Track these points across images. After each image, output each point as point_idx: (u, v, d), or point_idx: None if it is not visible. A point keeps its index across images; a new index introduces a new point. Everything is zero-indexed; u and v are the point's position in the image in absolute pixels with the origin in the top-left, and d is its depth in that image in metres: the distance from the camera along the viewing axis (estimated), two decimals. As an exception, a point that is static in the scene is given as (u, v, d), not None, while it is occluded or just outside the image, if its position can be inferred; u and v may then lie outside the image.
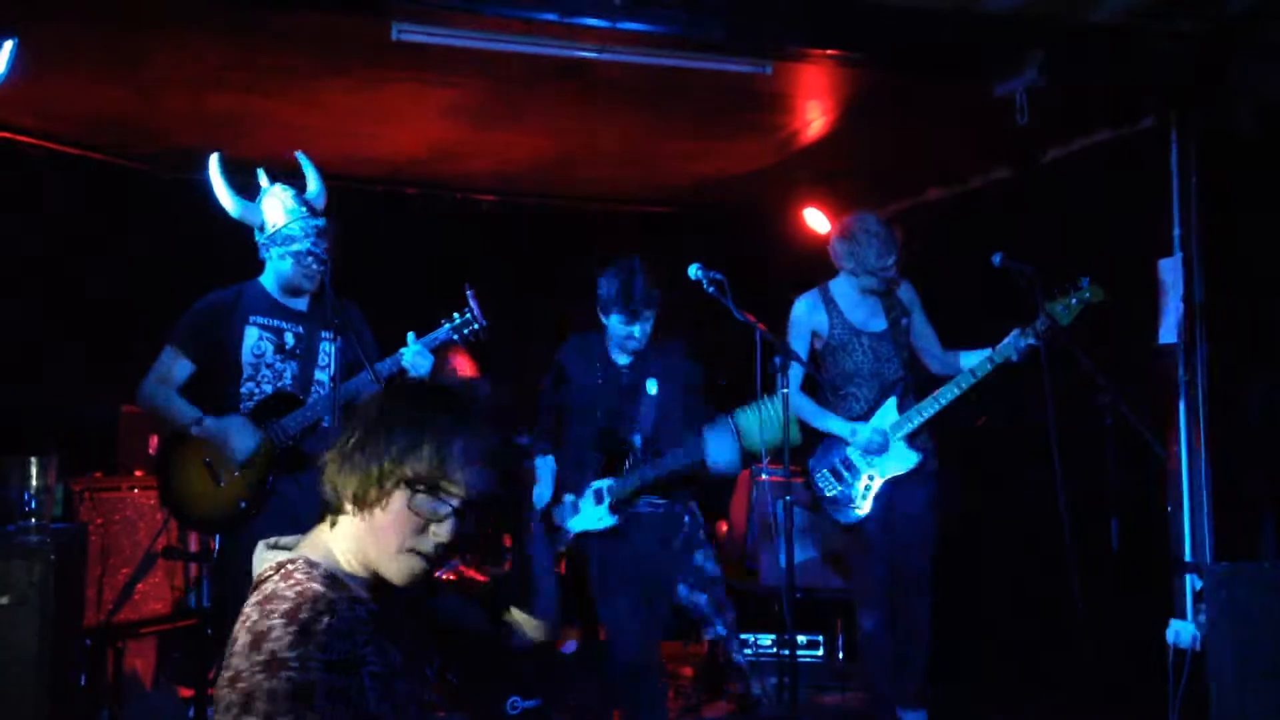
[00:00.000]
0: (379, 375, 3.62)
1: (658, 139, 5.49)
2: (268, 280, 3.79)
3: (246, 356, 3.69)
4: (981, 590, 5.37)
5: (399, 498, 1.66)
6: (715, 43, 4.04)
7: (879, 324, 4.23)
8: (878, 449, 4.09)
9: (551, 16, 3.76)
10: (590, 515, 4.02)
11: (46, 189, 5.30)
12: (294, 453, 3.65)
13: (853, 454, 4.15)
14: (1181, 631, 4.12)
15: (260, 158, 3.94)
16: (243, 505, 3.60)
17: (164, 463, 3.72)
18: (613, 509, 3.99)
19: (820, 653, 5.39)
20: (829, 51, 4.11)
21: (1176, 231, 4.27)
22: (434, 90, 4.75)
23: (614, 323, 3.98)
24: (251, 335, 3.70)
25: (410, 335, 3.74)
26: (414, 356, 3.69)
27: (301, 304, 3.80)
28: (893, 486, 4.14)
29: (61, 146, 5.37)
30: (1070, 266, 5.06)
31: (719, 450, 3.84)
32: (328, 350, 3.76)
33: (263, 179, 3.79)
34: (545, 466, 4.08)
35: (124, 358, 5.17)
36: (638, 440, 4.02)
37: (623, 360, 4.09)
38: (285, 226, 3.68)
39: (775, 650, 5.03)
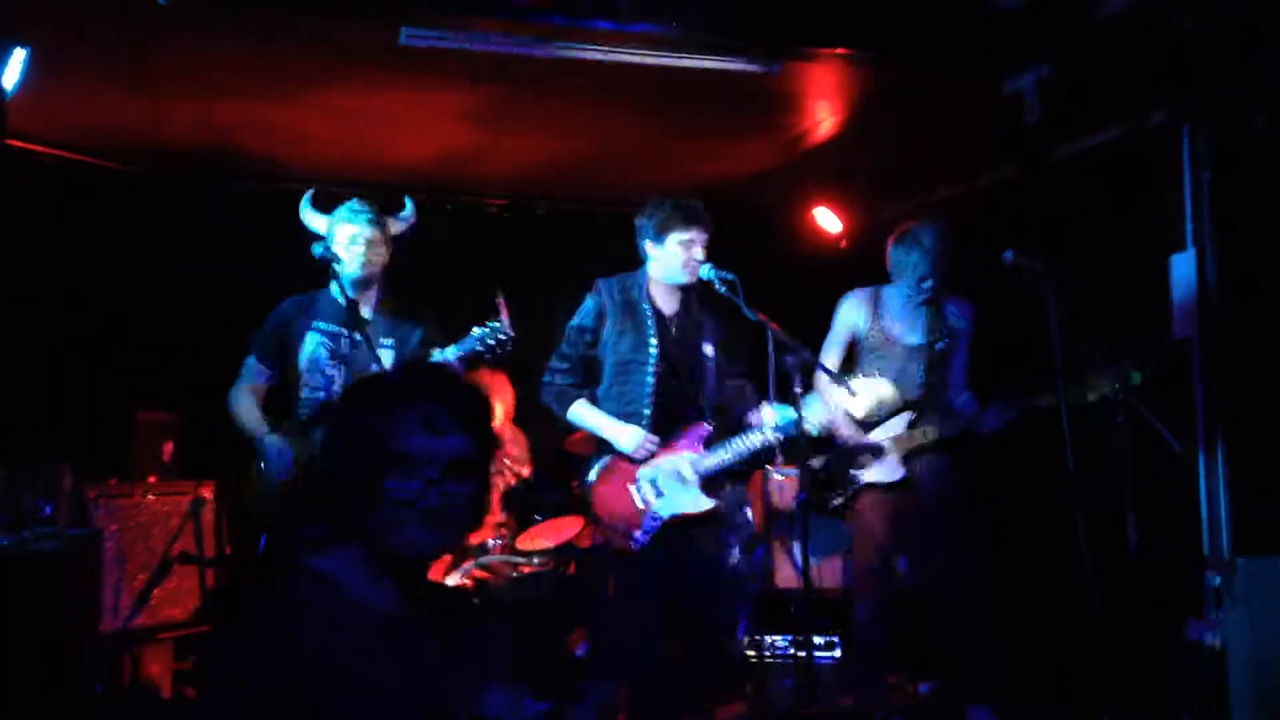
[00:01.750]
0: None
1: (667, 141, 5.48)
2: (334, 288, 3.88)
3: (304, 363, 3.84)
4: (995, 588, 5.34)
5: None
6: (723, 43, 4.04)
7: (916, 339, 4.17)
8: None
9: (559, 19, 3.77)
10: (683, 497, 3.74)
11: (59, 197, 5.32)
12: None
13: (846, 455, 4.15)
14: (1202, 629, 4.09)
15: (272, 166, 3.97)
16: (287, 511, 3.68)
17: (239, 464, 3.92)
18: (706, 490, 3.74)
19: (837, 653, 5.37)
20: (837, 50, 4.11)
21: (1189, 226, 4.25)
22: (443, 95, 4.75)
23: (670, 244, 3.78)
24: (311, 341, 3.85)
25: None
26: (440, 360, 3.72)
27: (368, 311, 3.91)
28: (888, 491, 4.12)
29: (74, 155, 5.39)
30: (1081, 264, 5.07)
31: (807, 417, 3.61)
32: (387, 355, 3.84)
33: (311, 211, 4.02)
34: (586, 406, 3.84)
35: (136, 364, 5.23)
36: (709, 414, 3.80)
37: (672, 307, 3.89)
38: (346, 236, 3.87)
39: (791, 650, 5.01)
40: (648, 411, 3.79)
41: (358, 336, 3.78)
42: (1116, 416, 3.87)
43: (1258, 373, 4.16)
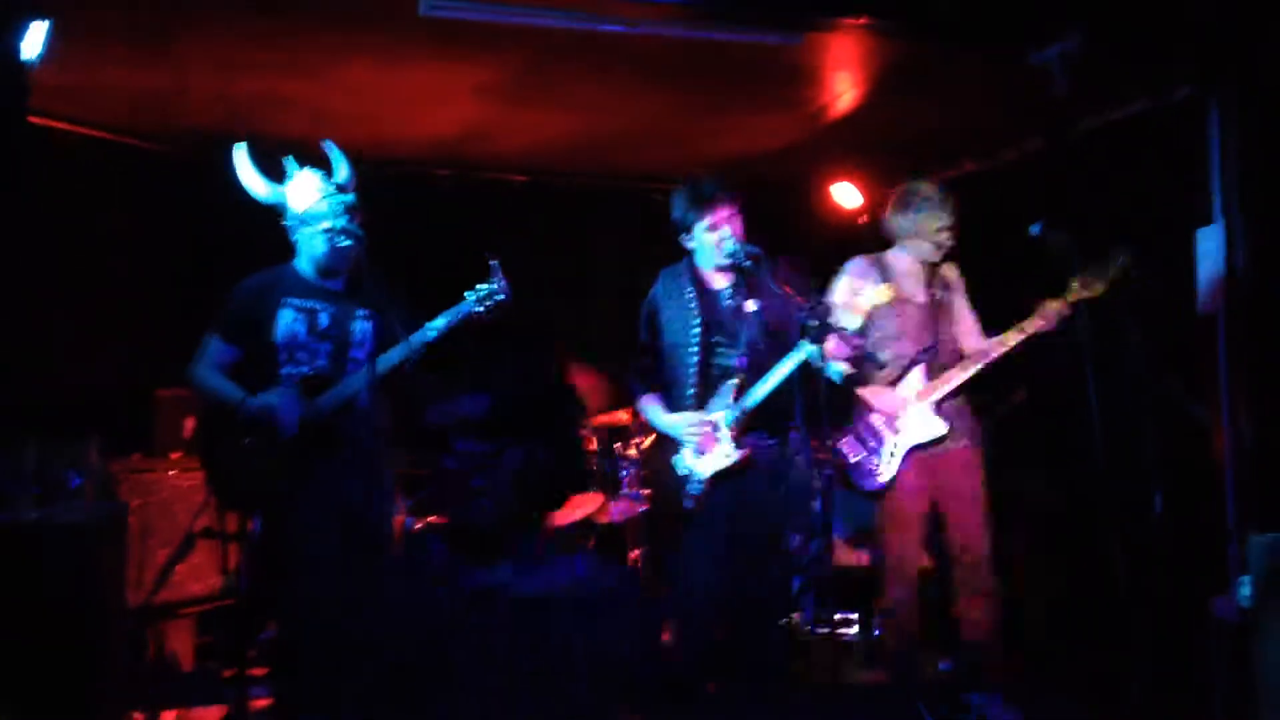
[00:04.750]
0: (413, 347, 3.61)
1: (688, 116, 5.46)
2: (301, 263, 3.81)
3: (281, 339, 3.69)
4: (1022, 562, 5.33)
5: None
6: (746, 13, 4.01)
7: (921, 295, 4.23)
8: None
9: (582, -10, 3.75)
10: (718, 452, 3.82)
11: (80, 174, 5.32)
12: (331, 432, 3.64)
13: (876, 419, 4.14)
14: (1226, 602, 4.07)
15: (292, 140, 3.94)
16: (282, 486, 3.59)
17: (206, 443, 3.75)
18: (736, 440, 3.81)
19: (855, 630, 5.37)
20: (860, 20, 4.07)
21: (1217, 199, 4.20)
22: (462, 68, 4.73)
23: (700, 232, 3.85)
24: (286, 317, 3.71)
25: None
26: (436, 327, 3.69)
27: (337, 284, 3.80)
28: (925, 456, 4.11)
29: (95, 131, 5.39)
30: (1107, 237, 5.02)
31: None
32: (364, 329, 3.77)
33: (289, 166, 3.80)
34: (653, 403, 3.96)
35: (158, 341, 5.24)
36: (744, 364, 3.82)
37: (721, 284, 3.94)
38: (314, 205, 3.70)
39: (812, 628, 5.01)
40: (691, 390, 3.88)
41: (335, 310, 3.74)
42: (1148, 389, 3.85)
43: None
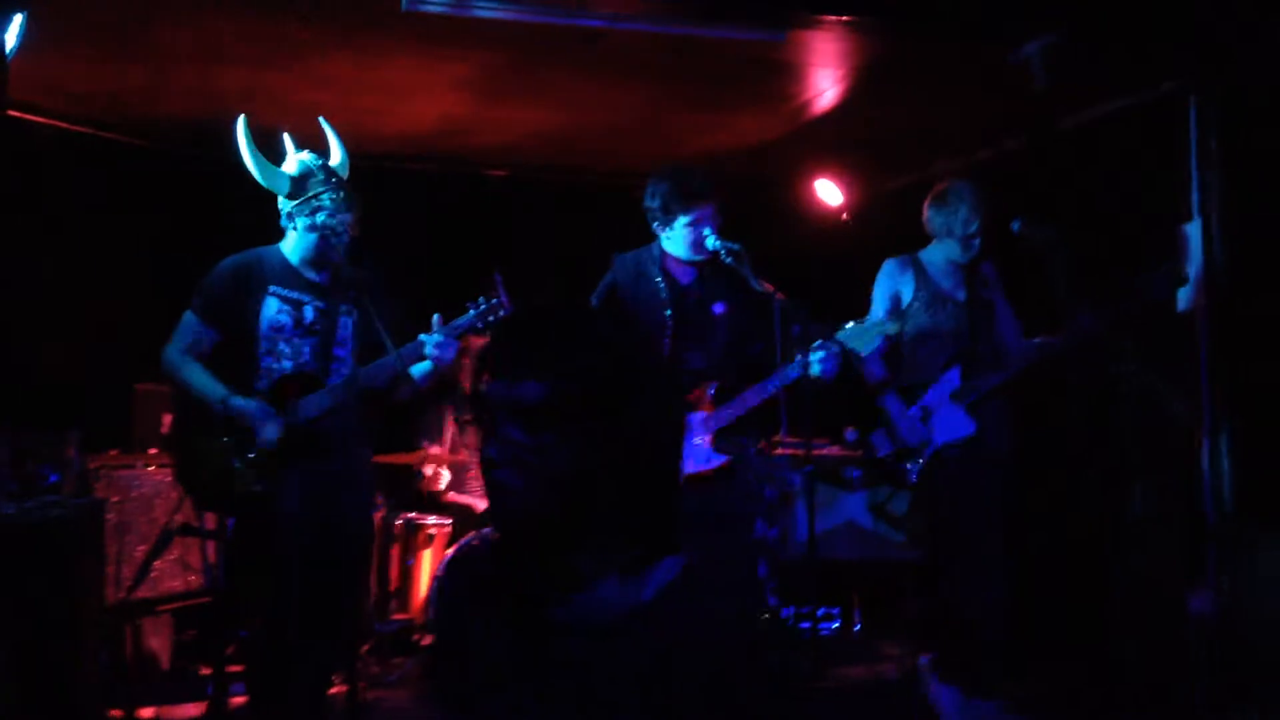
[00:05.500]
0: (403, 359, 3.48)
1: (669, 111, 5.45)
2: (288, 249, 3.65)
3: (264, 329, 3.54)
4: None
5: None
6: (728, 10, 4.00)
7: (962, 294, 4.18)
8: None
9: (563, -16, 3.73)
10: (695, 456, 3.69)
11: (56, 167, 5.27)
12: (311, 435, 3.51)
13: (914, 413, 4.10)
14: (1204, 600, 4.10)
15: (271, 131, 3.90)
16: (258, 488, 3.46)
17: (180, 439, 3.61)
18: (717, 447, 3.70)
19: (836, 625, 5.39)
20: (843, 17, 4.07)
21: (1195, 196, 4.23)
22: (443, 63, 4.71)
23: (681, 225, 3.74)
24: (271, 306, 3.55)
25: (435, 319, 3.56)
26: (435, 346, 3.51)
27: (322, 276, 3.65)
28: (959, 457, 4.07)
29: (71, 125, 5.34)
30: (1091, 234, 5.05)
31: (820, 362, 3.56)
32: (347, 325, 3.65)
33: (288, 144, 3.69)
34: None
35: (137, 335, 5.19)
36: (708, 367, 3.72)
37: (688, 279, 3.83)
38: (315, 197, 3.55)
39: (794, 622, 5.02)
40: None
41: (322, 304, 3.61)
42: (1127, 384, 3.87)
43: (1263, 344, 4.15)
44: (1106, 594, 4.34)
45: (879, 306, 4.18)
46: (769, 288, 3.64)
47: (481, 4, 3.95)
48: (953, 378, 4.10)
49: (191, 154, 5.64)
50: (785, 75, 4.88)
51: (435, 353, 3.51)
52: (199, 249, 5.55)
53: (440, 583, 4.77)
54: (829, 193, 6.44)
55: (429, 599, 4.86)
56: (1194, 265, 4.21)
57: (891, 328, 3.69)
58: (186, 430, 3.58)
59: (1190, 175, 4.25)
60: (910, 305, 4.18)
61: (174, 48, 4.50)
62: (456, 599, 4.72)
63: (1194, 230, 4.23)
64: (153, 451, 4.73)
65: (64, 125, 5.31)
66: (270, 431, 3.46)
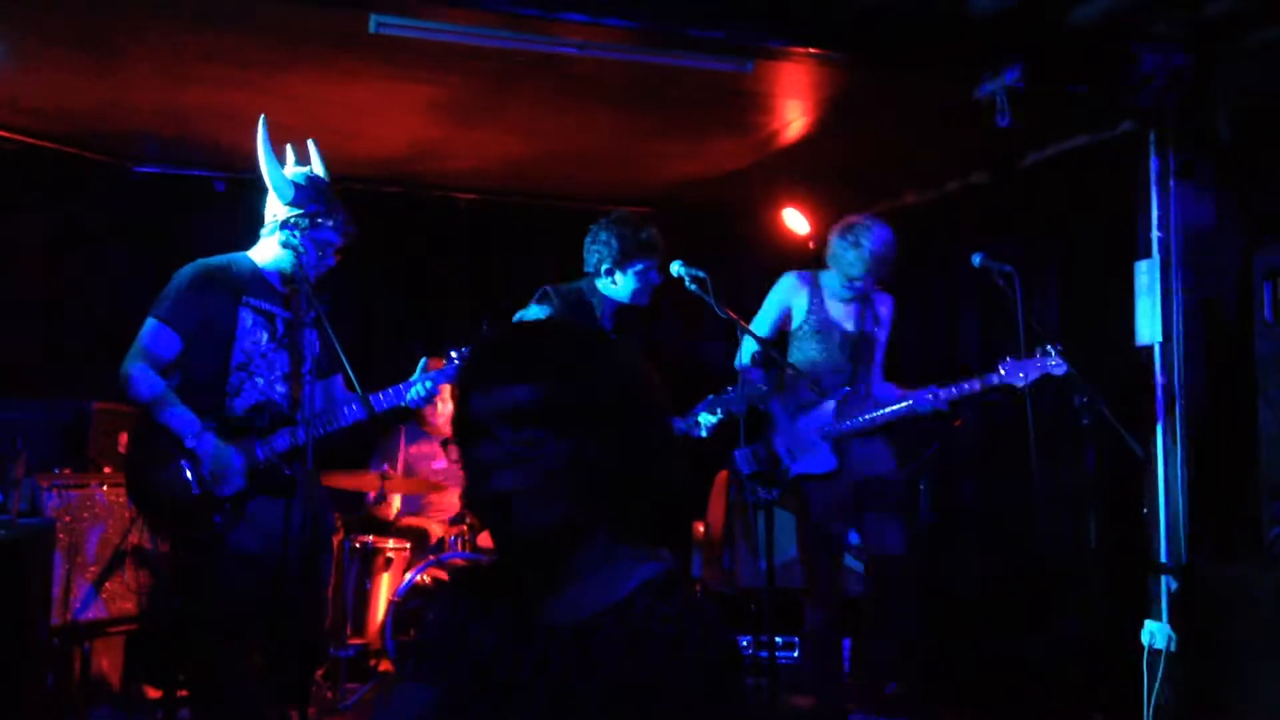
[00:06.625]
0: (373, 408, 3.43)
1: (637, 138, 5.47)
2: (260, 257, 3.53)
3: (241, 342, 3.41)
4: (956, 589, 5.38)
5: None
6: (697, 39, 4.02)
7: (850, 325, 4.25)
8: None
9: (533, 11, 3.73)
10: None
11: (17, 184, 5.22)
12: (275, 470, 3.42)
13: (779, 442, 4.16)
14: (1156, 633, 4.13)
15: (238, 154, 3.89)
16: (216, 519, 3.36)
17: (137, 463, 3.44)
18: None
19: (796, 654, 5.37)
20: (811, 50, 4.10)
21: (1155, 235, 4.28)
22: (413, 86, 4.71)
23: (629, 278, 3.85)
24: (246, 319, 3.42)
25: (421, 363, 3.57)
26: (416, 394, 3.50)
27: (287, 289, 3.54)
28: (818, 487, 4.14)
29: (34, 140, 5.29)
30: (1047, 269, 5.10)
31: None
32: (311, 342, 3.57)
33: (289, 154, 3.66)
34: None
35: (95, 353, 5.14)
36: None
37: (610, 322, 3.93)
38: (320, 212, 3.49)
39: (753, 651, 5.00)
40: None
41: (290, 316, 3.51)
42: (1083, 419, 3.91)
43: (1218, 380, 4.20)
44: (1058, 627, 4.37)
45: (765, 318, 4.25)
46: (732, 315, 3.70)
47: (450, 28, 3.95)
48: (825, 412, 4.13)
49: (153, 172, 5.61)
50: (753, 105, 4.91)
51: (418, 402, 3.53)
52: (160, 265, 5.54)
53: (397, 609, 4.73)
54: (797, 222, 6.47)
55: (385, 624, 4.82)
56: (1152, 300, 4.26)
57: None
58: (145, 453, 3.41)
59: (1149, 211, 4.30)
60: (800, 326, 4.22)
61: (138, 67, 4.47)
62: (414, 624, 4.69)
63: (1148, 267, 4.27)
64: (108, 470, 4.67)
65: (26, 140, 5.27)
66: (237, 479, 3.36)
